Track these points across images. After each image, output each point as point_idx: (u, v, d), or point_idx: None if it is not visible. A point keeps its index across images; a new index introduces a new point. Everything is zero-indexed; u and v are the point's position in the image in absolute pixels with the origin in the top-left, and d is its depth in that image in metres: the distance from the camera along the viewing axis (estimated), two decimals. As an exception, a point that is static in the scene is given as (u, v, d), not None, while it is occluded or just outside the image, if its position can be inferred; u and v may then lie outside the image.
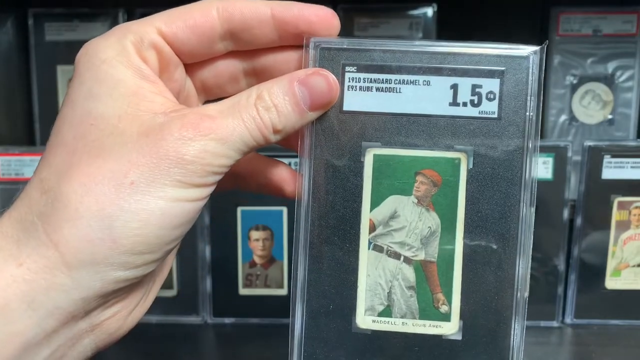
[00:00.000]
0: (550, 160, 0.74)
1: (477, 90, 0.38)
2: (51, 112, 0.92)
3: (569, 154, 0.74)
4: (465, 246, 0.39)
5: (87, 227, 0.32)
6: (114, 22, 0.87)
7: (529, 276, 0.38)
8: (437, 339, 0.39)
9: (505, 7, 0.93)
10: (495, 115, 0.38)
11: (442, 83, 0.38)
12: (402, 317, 0.39)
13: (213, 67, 0.40)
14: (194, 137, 0.33)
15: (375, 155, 0.38)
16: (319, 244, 0.39)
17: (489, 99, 0.38)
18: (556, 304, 0.77)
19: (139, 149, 0.33)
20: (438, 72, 0.38)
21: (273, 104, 0.35)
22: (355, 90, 0.38)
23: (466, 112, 0.38)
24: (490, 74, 0.38)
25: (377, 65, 0.38)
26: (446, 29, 0.91)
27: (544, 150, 0.74)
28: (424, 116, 0.38)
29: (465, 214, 0.38)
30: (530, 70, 0.37)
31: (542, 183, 0.74)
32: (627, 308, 0.77)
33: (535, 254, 0.76)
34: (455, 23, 0.92)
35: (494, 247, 0.38)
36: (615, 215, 0.75)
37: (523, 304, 0.38)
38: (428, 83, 0.38)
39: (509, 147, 0.38)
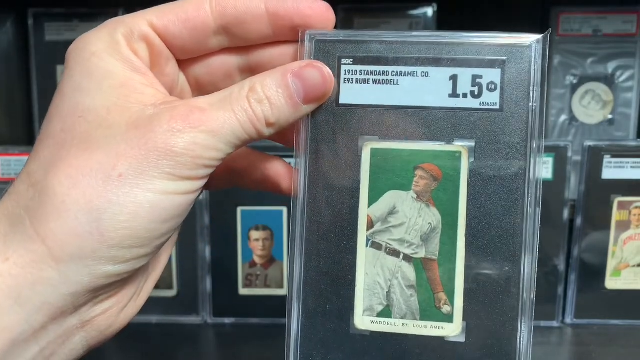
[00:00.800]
0: (550, 160, 0.74)
1: (477, 80, 0.37)
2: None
3: (569, 154, 0.74)
4: (467, 243, 0.38)
5: (74, 220, 0.32)
6: (114, 23, 0.87)
7: (535, 275, 0.37)
8: (439, 340, 0.38)
9: (505, 7, 0.93)
10: (497, 107, 0.37)
11: (441, 74, 0.37)
12: (402, 317, 0.38)
13: (207, 63, 0.39)
14: (183, 129, 0.33)
15: (372, 149, 0.38)
16: (315, 241, 0.38)
17: (490, 90, 0.37)
18: (556, 304, 0.77)
19: (127, 140, 0.33)
20: (437, 62, 0.37)
21: (266, 97, 0.35)
22: (351, 83, 0.37)
23: (466, 104, 0.37)
24: (491, 64, 0.37)
25: (373, 57, 0.37)
26: (446, 29, 0.91)
27: (544, 150, 0.74)
28: (422, 108, 0.37)
29: (467, 209, 0.37)
30: (533, 60, 0.36)
31: (542, 183, 0.74)
32: (627, 308, 0.77)
33: (536, 254, 0.76)
34: (455, 23, 0.92)
35: (498, 243, 0.37)
36: (615, 215, 0.75)
37: (530, 304, 0.37)
38: (426, 74, 0.37)
39: (511, 139, 0.37)
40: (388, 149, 0.38)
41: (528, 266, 0.37)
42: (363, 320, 0.39)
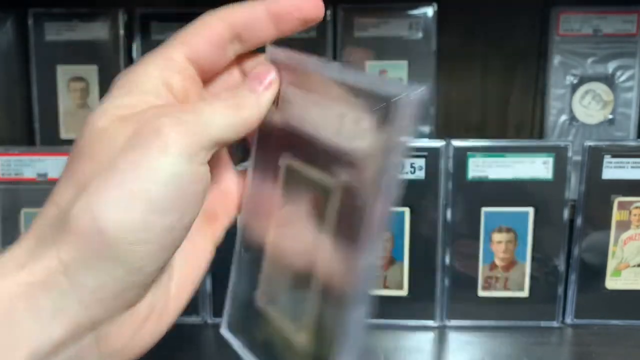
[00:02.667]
0: (550, 160, 0.74)
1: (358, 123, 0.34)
2: (51, 112, 0.93)
3: (569, 154, 0.74)
4: None
5: (88, 242, 0.32)
6: (114, 22, 0.87)
7: None
8: None
9: (505, 7, 0.93)
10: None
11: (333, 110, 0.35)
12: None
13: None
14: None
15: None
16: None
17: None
18: (556, 304, 0.77)
19: None
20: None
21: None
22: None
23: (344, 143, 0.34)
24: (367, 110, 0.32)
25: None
26: (446, 29, 0.91)
27: (544, 150, 0.74)
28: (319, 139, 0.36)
29: None
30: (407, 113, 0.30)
31: (542, 183, 0.74)
32: (627, 308, 0.77)
33: (535, 254, 0.76)
34: (455, 23, 0.92)
35: None
36: (616, 215, 0.75)
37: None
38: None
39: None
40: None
41: None
42: None
